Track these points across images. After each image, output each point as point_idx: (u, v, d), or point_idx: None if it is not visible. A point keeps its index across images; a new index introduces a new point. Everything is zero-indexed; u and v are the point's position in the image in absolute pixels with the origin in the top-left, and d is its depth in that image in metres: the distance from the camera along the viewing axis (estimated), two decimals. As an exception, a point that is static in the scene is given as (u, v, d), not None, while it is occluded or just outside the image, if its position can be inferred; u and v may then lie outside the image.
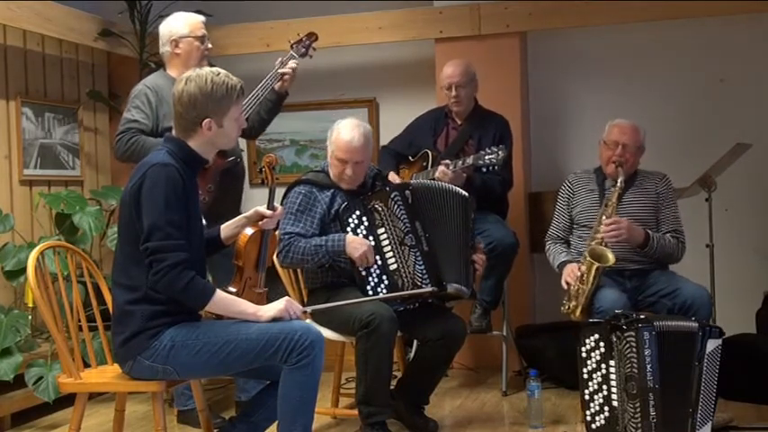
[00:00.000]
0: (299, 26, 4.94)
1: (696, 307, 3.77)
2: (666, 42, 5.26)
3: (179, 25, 4.04)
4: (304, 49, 4.27)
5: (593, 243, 3.91)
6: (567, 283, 3.94)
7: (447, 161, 4.30)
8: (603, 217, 3.93)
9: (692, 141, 5.08)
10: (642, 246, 3.96)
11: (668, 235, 4.05)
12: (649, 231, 3.98)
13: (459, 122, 4.67)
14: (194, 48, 4.04)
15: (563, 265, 4.08)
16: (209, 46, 4.11)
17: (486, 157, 4.22)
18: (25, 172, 4.99)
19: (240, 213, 3.34)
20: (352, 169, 3.78)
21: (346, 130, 3.79)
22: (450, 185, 3.99)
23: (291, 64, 4.12)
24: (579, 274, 3.87)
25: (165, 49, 4.09)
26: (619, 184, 3.96)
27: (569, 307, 3.90)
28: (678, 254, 4.06)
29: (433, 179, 4.25)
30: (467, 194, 3.90)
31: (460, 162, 4.30)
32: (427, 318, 3.78)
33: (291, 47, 4.26)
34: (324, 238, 3.74)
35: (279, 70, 4.10)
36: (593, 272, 3.81)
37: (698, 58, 5.22)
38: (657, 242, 3.97)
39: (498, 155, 4.19)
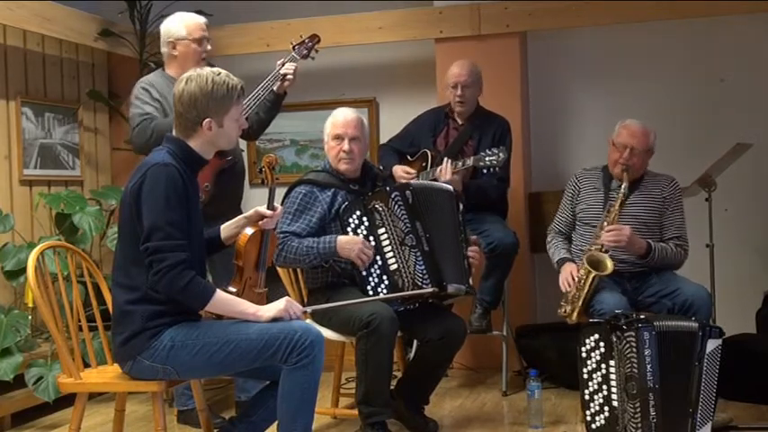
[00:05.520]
0: (299, 26, 4.95)
1: (696, 307, 3.76)
2: (666, 42, 5.26)
3: (177, 27, 4.05)
4: (306, 51, 4.26)
5: (592, 249, 3.89)
6: (565, 285, 3.93)
7: (449, 161, 4.30)
8: (605, 223, 3.91)
9: (692, 141, 5.08)
10: (643, 257, 3.94)
11: (671, 243, 4.01)
12: (651, 242, 3.95)
13: (460, 122, 4.68)
14: (191, 50, 4.04)
15: (562, 262, 4.07)
16: (209, 48, 4.11)
17: (487, 159, 4.22)
18: (25, 172, 4.99)
19: (240, 213, 3.34)
20: (349, 145, 3.80)
21: (339, 112, 3.92)
22: (434, 183, 4.00)
23: (290, 66, 4.11)
24: (576, 279, 3.87)
25: (163, 49, 4.11)
26: (622, 191, 3.92)
27: (566, 310, 3.90)
28: (679, 263, 4.04)
29: (435, 179, 4.26)
30: (451, 188, 3.93)
31: (461, 163, 4.31)
32: (427, 318, 3.77)
33: (293, 48, 4.25)
34: (316, 239, 3.74)
35: (280, 71, 4.10)
36: (589, 279, 3.80)
37: (698, 58, 5.22)
38: (659, 253, 3.94)
39: (499, 157, 4.20)
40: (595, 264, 3.82)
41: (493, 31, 5.21)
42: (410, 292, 3.68)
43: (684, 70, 5.24)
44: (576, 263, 4.01)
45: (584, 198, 4.18)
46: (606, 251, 3.87)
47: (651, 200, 4.08)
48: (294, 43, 4.28)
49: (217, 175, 3.94)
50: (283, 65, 4.12)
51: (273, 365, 2.91)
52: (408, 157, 4.69)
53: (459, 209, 3.87)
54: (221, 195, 3.96)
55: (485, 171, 4.30)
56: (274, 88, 4.10)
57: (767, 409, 4.11)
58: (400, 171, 4.45)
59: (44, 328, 4.54)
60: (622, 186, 3.94)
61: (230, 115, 2.96)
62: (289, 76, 4.10)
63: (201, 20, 4.12)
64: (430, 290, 3.67)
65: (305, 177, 3.92)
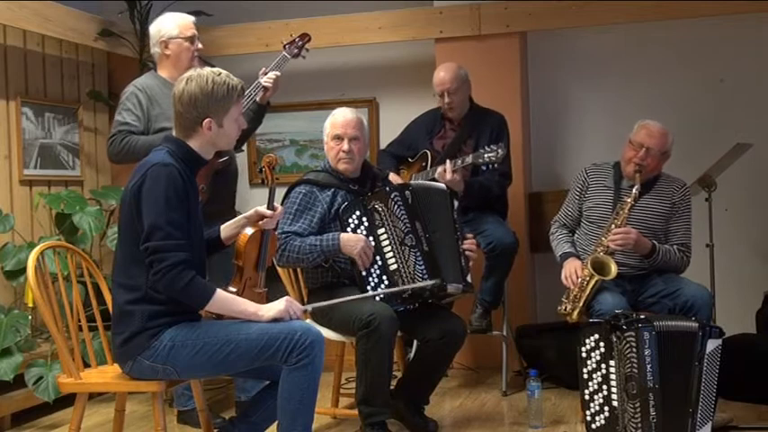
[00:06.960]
0: (299, 26, 4.94)
1: (697, 308, 3.75)
2: (666, 42, 5.26)
3: (168, 26, 4.03)
4: (297, 50, 4.27)
5: (598, 250, 3.89)
6: (568, 281, 3.92)
7: (448, 161, 4.30)
8: (613, 226, 3.89)
9: (692, 141, 5.07)
10: (647, 256, 3.93)
11: (675, 247, 3.99)
12: (656, 243, 3.93)
13: (455, 123, 4.67)
14: (184, 49, 4.03)
15: (566, 256, 4.04)
16: (200, 46, 4.10)
17: (486, 156, 4.23)
18: (25, 172, 4.99)
19: (235, 214, 3.33)
20: (349, 145, 3.81)
21: (338, 112, 3.93)
22: (430, 182, 4.00)
23: (271, 75, 4.10)
24: (580, 280, 3.86)
25: (155, 49, 4.09)
26: (634, 192, 3.89)
27: (566, 308, 3.90)
28: (681, 268, 4.02)
29: (433, 179, 4.26)
30: (445, 187, 3.93)
31: (459, 161, 4.31)
32: (427, 318, 3.77)
33: (284, 47, 4.26)
34: (318, 237, 3.74)
35: (261, 81, 4.09)
36: (592, 282, 3.80)
37: (698, 58, 5.23)
38: (662, 255, 3.92)
39: (498, 153, 4.20)
40: (599, 267, 3.81)
41: (493, 31, 5.21)
42: (411, 286, 3.67)
43: (684, 70, 5.25)
44: (580, 259, 4.00)
45: (592, 195, 4.14)
46: (611, 253, 3.86)
47: (660, 204, 4.04)
48: (285, 42, 4.28)
49: (213, 177, 3.94)
50: (265, 74, 4.11)
51: (273, 365, 2.91)
52: (409, 159, 4.69)
53: (455, 207, 3.87)
54: (217, 196, 3.95)
55: (484, 168, 4.30)
56: (257, 99, 4.10)
57: (767, 409, 4.11)
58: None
59: (44, 328, 4.54)
60: (634, 188, 3.90)
61: (230, 115, 2.96)
62: (269, 87, 4.08)
63: (191, 18, 4.12)
64: (431, 282, 3.66)
65: (305, 177, 3.92)
